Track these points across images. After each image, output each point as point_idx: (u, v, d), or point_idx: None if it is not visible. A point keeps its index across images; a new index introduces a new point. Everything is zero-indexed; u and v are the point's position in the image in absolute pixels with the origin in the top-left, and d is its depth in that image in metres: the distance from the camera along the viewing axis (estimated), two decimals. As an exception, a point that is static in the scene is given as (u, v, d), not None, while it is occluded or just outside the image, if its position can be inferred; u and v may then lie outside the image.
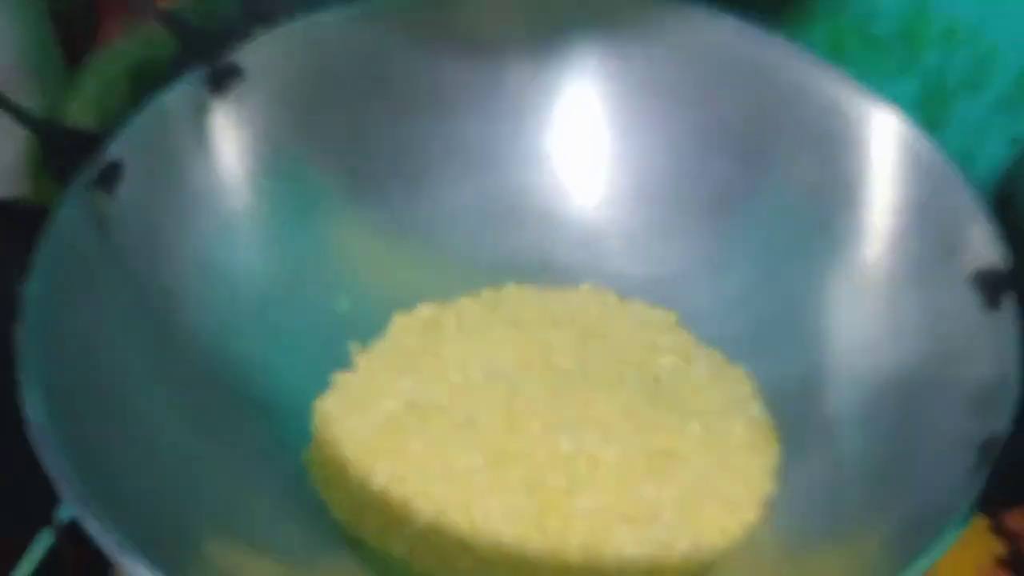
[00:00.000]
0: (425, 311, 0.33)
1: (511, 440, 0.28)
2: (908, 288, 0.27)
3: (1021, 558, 0.32)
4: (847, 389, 0.28)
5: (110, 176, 0.27)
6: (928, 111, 0.44)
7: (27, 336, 0.22)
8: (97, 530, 0.19)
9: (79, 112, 0.47)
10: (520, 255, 0.35)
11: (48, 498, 0.36)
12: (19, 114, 0.26)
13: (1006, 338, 0.23)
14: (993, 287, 0.24)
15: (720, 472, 0.27)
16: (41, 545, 0.36)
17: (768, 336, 0.31)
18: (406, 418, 0.29)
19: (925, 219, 0.27)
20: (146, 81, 0.32)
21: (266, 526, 0.26)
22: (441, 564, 0.26)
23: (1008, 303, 0.23)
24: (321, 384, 0.31)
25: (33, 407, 0.21)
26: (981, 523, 0.33)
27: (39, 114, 0.46)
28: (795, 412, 0.29)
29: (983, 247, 0.25)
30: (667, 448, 0.27)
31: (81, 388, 0.23)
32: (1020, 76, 0.41)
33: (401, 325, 0.33)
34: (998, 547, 0.32)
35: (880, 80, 0.43)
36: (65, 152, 0.26)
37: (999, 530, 0.33)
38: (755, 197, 0.32)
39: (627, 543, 0.26)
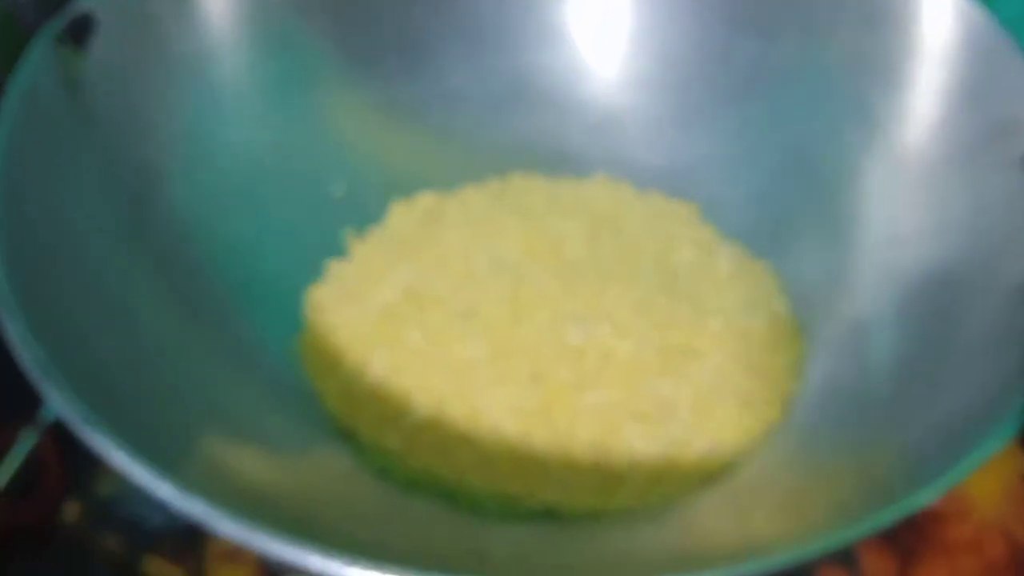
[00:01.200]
0: (425, 199, 0.31)
1: (516, 331, 0.26)
2: (953, 176, 0.25)
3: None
4: (880, 285, 0.26)
5: (80, 29, 0.24)
6: None
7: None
8: (71, 415, 0.17)
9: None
10: (529, 141, 0.32)
11: (31, 398, 0.35)
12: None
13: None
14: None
15: (740, 370, 0.25)
16: (24, 445, 0.35)
17: (796, 229, 0.28)
18: (404, 307, 0.27)
19: (976, 101, 0.25)
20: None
21: (256, 417, 0.24)
22: (439, 458, 0.24)
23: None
24: (314, 272, 0.29)
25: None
26: (1014, 445, 0.32)
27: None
28: (822, 309, 0.27)
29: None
30: (684, 344, 0.26)
31: (49, 264, 0.21)
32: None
33: (399, 213, 0.30)
34: None
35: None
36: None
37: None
38: (786, 78, 0.29)
39: (639, 441, 0.24)
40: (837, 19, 0.28)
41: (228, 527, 0.16)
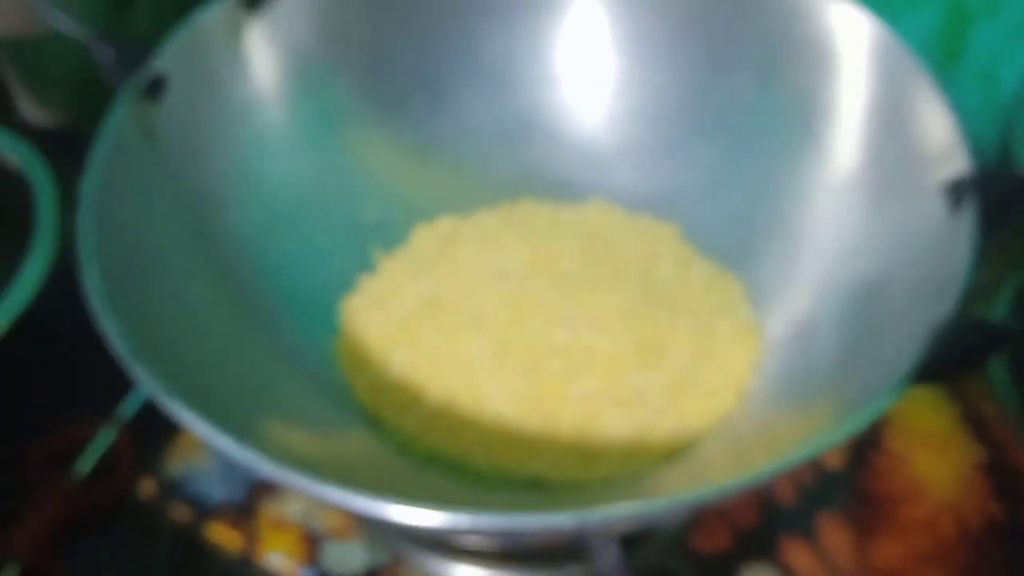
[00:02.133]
0: (444, 222, 0.36)
1: (515, 332, 0.30)
2: (883, 199, 0.29)
3: (1001, 465, 0.34)
4: (826, 292, 0.30)
5: (155, 88, 0.29)
6: (947, 38, 0.45)
7: (83, 225, 0.25)
8: (164, 398, 0.22)
9: (137, 24, 0.50)
10: (534, 171, 0.37)
11: (111, 396, 0.40)
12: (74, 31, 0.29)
13: (963, 237, 0.24)
14: (958, 193, 0.26)
15: (704, 363, 0.30)
16: (104, 439, 0.40)
17: (761, 246, 0.33)
18: (422, 314, 0.32)
19: (898, 132, 0.29)
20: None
21: (301, 404, 0.29)
22: (449, 439, 0.29)
23: (969, 206, 0.25)
24: (348, 285, 0.34)
25: (92, 285, 0.24)
26: (964, 431, 0.35)
27: (98, 28, 0.49)
28: (779, 313, 0.31)
29: (951, 155, 0.26)
30: (657, 341, 0.30)
31: (131, 273, 0.26)
32: (1039, 2, 0.41)
33: (421, 234, 0.35)
34: (980, 454, 0.35)
35: (900, 8, 0.44)
36: (119, 67, 0.29)
37: (981, 438, 0.35)
38: (752, 112, 0.34)
39: (615, 423, 0.28)
40: (785, 60, 0.32)
41: (289, 477, 0.20)
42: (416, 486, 0.27)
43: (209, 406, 0.22)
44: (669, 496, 0.20)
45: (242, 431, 0.23)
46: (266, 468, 0.20)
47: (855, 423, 0.21)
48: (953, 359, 0.22)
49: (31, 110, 0.53)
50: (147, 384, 0.22)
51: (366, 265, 0.34)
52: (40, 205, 0.41)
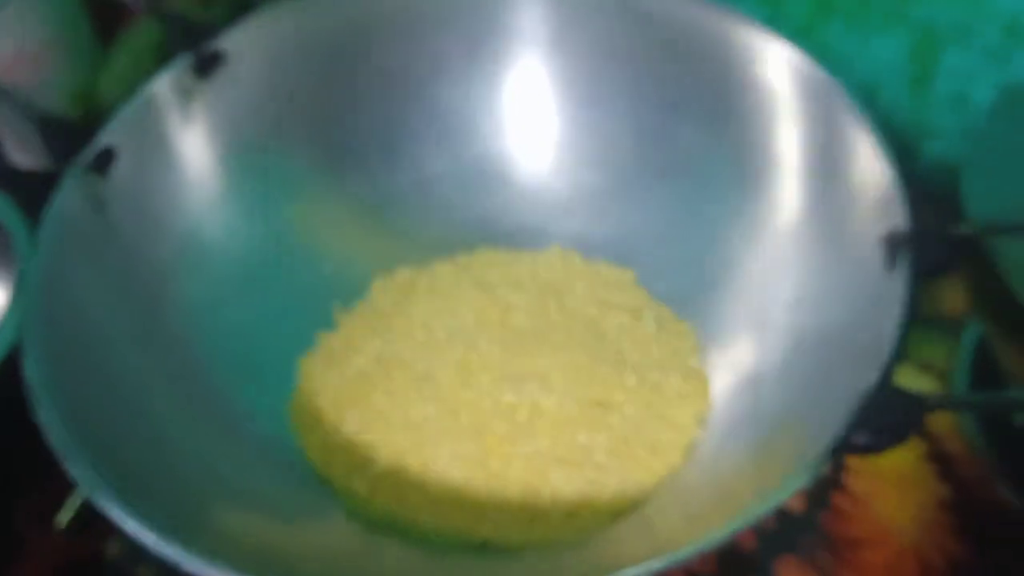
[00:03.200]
0: (402, 274, 0.36)
1: (463, 392, 0.31)
2: (827, 248, 0.29)
3: (966, 503, 0.34)
4: (772, 342, 0.30)
5: (104, 160, 0.30)
6: (918, 61, 0.45)
7: (27, 308, 0.25)
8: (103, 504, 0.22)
9: (109, 86, 0.51)
10: (492, 219, 0.37)
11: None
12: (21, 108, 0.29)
13: (894, 299, 0.24)
14: (893, 249, 0.25)
15: (650, 420, 0.30)
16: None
17: (711, 292, 0.33)
18: (374, 372, 0.32)
19: (837, 177, 0.29)
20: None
21: (251, 477, 0.29)
22: (398, 502, 0.29)
23: (903, 264, 0.25)
24: (307, 343, 0.34)
25: (31, 373, 0.24)
26: (929, 468, 0.35)
27: (73, 89, 0.50)
28: (728, 362, 0.31)
29: (887, 208, 0.26)
30: (602, 399, 0.30)
31: (75, 356, 0.26)
32: (1009, 25, 0.41)
33: (380, 288, 0.36)
34: (944, 492, 0.34)
35: (870, 31, 0.44)
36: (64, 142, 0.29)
37: (946, 476, 0.35)
38: (704, 159, 0.34)
39: (561, 483, 0.28)
40: (729, 106, 0.32)
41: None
42: (363, 558, 0.27)
43: (151, 499, 0.23)
44: (617, 572, 0.20)
45: (187, 520, 0.23)
46: (196, 567, 0.21)
47: (778, 497, 0.21)
48: (876, 434, 0.22)
49: (18, 154, 0.54)
50: (80, 480, 0.22)
51: (326, 322, 0.35)
52: (18, 254, 0.42)
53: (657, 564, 0.20)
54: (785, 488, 0.21)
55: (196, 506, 0.25)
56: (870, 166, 0.27)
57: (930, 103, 0.46)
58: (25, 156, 0.54)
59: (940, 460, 0.35)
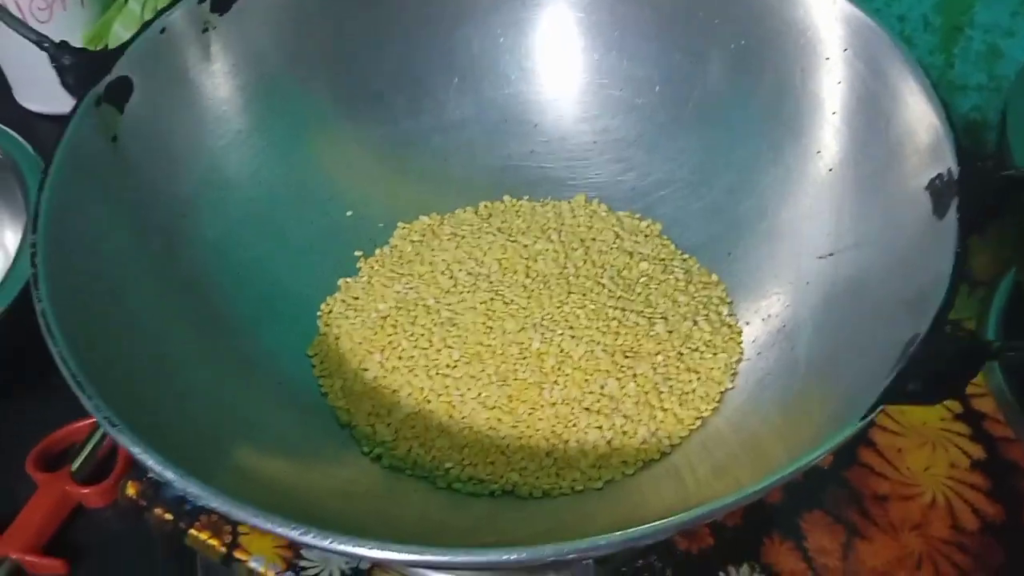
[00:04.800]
0: (424, 221, 0.35)
1: (488, 338, 0.30)
2: (868, 195, 0.28)
3: (998, 463, 0.33)
4: (808, 294, 0.29)
5: (119, 91, 0.29)
6: (951, 13, 0.43)
7: (38, 241, 0.24)
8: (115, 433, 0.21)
9: (124, 28, 0.50)
10: (515, 167, 0.36)
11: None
12: (29, 35, 0.28)
13: (946, 246, 0.23)
14: (942, 194, 0.24)
15: (680, 371, 0.29)
16: (94, 437, 0.41)
17: (742, 242, 0.32)
18: (397, 318, 0.31)
19: (883, 123, 0.27)
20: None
21: (274, 419, 0.28)
22: (422, 447, 0.28)
23: (953, 211, 0.24)
24: (328, 289, 0.33)
25: (44, 304, 0.23)
26: (961, 428, 0.34)
27: (87, 32, 0.49)
28: (760, 314, 0.30)
29: (936, 154, 0.25)
30: (631, 348, 0.29)
31: (88, 290, 0.25)
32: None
33: (401, 235, 0.35)
34: (976, 451, 0.34)
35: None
36: (76, 71, 0.28)
37: (978, 436, 0.34)
38: (736, 105, 0.33)
39: (589, 430, 0.28)
40: (763, 51, 0.31)
41: (240, 515, 0.19)
42: (387, 500, 0.27)
43: (169, 434, 0.22)
44: (648, 526, 0.19)
45: (205, 453, 0.23)
46: (216, 504, 0.20)
47: (823, 449, 0.20)
48: (930, 383, 0.21)
49: (27, 97, 0.53)
50: (95, 413, 0.21)
51: (347, 267, 0.34)
52: (31, 194, 0.41)
53: (687, 517, 0.19)
54: (833, 437, 0.20)
55: (214, 444, 0.25)
56: (919, 110, 0.26)
57: (962, 56, 0.45)
58: (35, 99, 0.53)
59: (972, 421, 0.34)
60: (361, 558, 0.20)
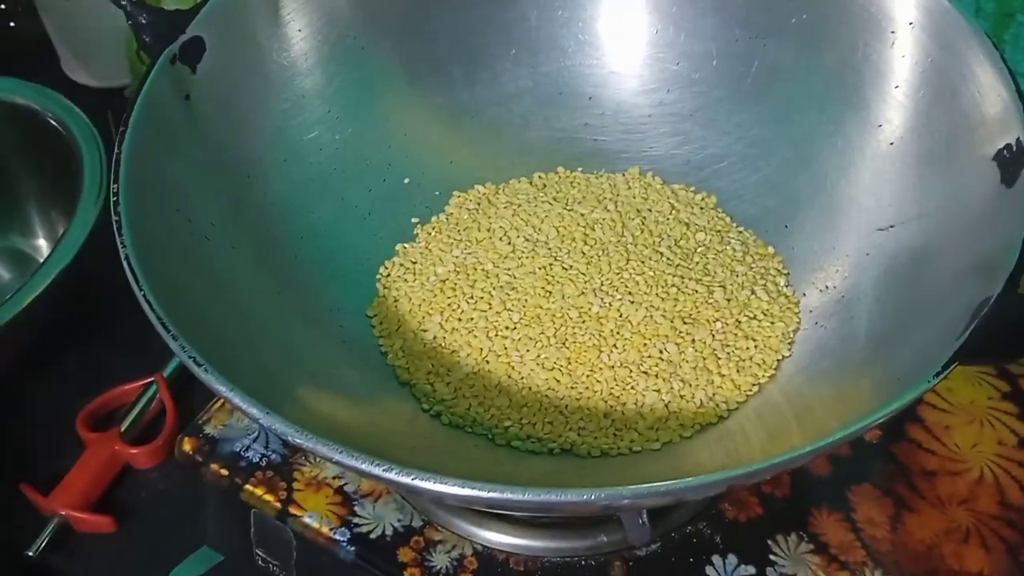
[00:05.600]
0: (480, 190, 0.36)
1: (546, 301, 0.30)
2: (932, 169, 0.28)
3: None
4: (867, 263, 0.29)
5: (193, 51, 0.29)
6: (1003, 3, 0.44)
7: (120, 190, 0.25)
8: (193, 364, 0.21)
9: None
10: (570, 139, 0.37)
11: (157, 357, 0.41)
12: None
13: (1016, 213, 0.24)
14: (1011, 163, 0.25)
15: (738, 336, 0.29)
16: (147, 399, 0.41)
17: (800, 216, 0.32)
18: (455, 281, 0.32)
19: (951, 101, 0.28)
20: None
21: (336, 372, 0.29)
22: (481, 406, 0.29)
23: (1022, 178, 0.24)
24: (385, 252, 0.34)
25: (126, 252, 0.24)
26: (1008, 407, 0.35)
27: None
28: (818, 284, 0.30)
29: (1004, 124, 0.25)
30: (690, 314, 0.30)
31: (168, 243, 0.26)
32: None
33: (457, 202, 0.35)
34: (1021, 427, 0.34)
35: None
36: (153, 29, 0.29)
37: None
38: (795, 79, 0.33)
39: (647, 393, 0.28)
40: (828, 25, 0.31)
41: (324, 451, 0.20)
42: (448, 454, 0.27)
43: (243, 375, 0.22)
44: (698, 477, 0.20)
45: (276, 399, 0.23)
46: (297, 439, 0.20)
47: (894, 406, 0.21)
48: (1003, 340, 0.21)
49: (75, 69, 0.54)
50: (180, 354, 0.22)
51: (404, 233, 0.34)
52: (84, 163, 0.42)
53: (732, 473, 0.20)
54: (903, 396, 0.21)
55: (283, 390, 0.25)
56: (987, 82, 0.26)
57: (1012, 44, 0.45)
58: (83, 72, 0.54)
59: (1020, 400, 0.34)
60: (439, 496, 0.20)
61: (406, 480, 0.19)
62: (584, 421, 0.28)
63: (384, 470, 0.20)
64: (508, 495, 0.19)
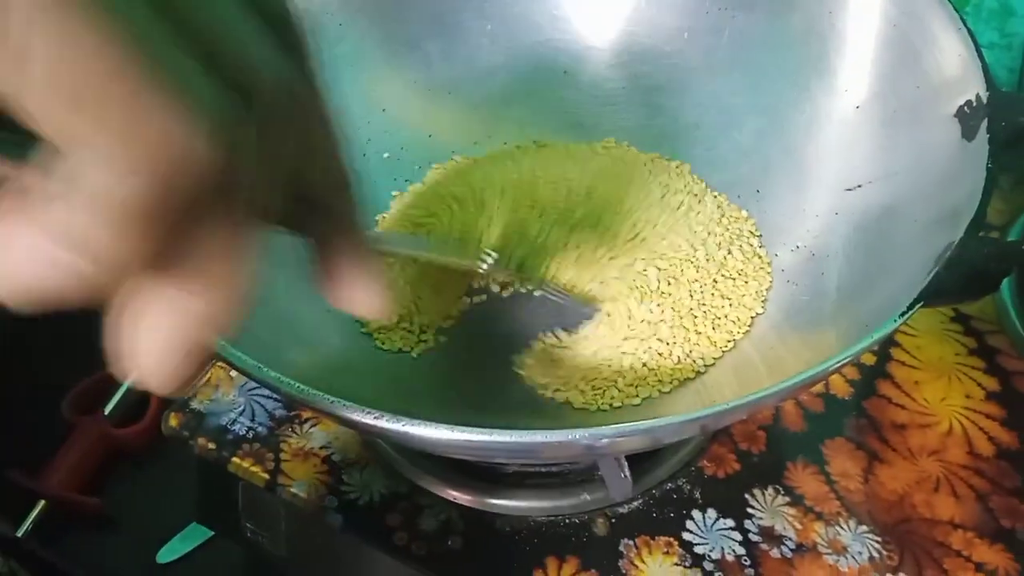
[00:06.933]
0: (458, 160, 0.36)
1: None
2: (898, 130, 0.29)
3: (1012, 396, 0.34)
4: (836, 222, 0.30)
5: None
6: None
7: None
8: None
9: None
10: (546, 111, 0.37)
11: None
12: None
13: (977, 165, 0.24)
14: (970, 118, 0.26)
15: (715, 296, 0.30)
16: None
17: (771, 180, 0.33)
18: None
19: (914, 63, 0.29)
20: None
21: (322, 336, 0.30)
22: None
23: (983, 131, 0.25)
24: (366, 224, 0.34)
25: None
26: (975, 362, 0.36)
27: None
28: (789, 244, 0.31)
29: (964, 81, 0.26)
30: (668, 272, 0.30)
31: None
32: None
33: (435, 173, 0.36)
34: (991, 384, 0.35)
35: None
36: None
37: (993, 370, 0.35)
38: (763, 49, 0.34)
39: (627, 352, 0.29)
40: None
41: (318, 402, 0.21)
42: (436, 409, 0.28)
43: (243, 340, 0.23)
44: (674, 415, 0.20)
45: (268, 360, 0.24)
46: (293, 392, 0.21)
47: (860, 346, 0.21)
48: (965, 281, 0.22)
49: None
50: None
51: (383, 206, 0.35)
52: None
53: (705, 412, 0.20)
54: (868, 336, 0.22)
55: (273, 349, 0.26)
56: (947, 44, 0.27)
57: (973, 14, 0.46)
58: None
59: (986, 355, 0.36)
60: (431, 443, 0.21)
61: (395, 427, 0.20)
62: (566, 379, 0.29)
63: (375, 418, 0.20)
64: (496, 438, 0.20)
